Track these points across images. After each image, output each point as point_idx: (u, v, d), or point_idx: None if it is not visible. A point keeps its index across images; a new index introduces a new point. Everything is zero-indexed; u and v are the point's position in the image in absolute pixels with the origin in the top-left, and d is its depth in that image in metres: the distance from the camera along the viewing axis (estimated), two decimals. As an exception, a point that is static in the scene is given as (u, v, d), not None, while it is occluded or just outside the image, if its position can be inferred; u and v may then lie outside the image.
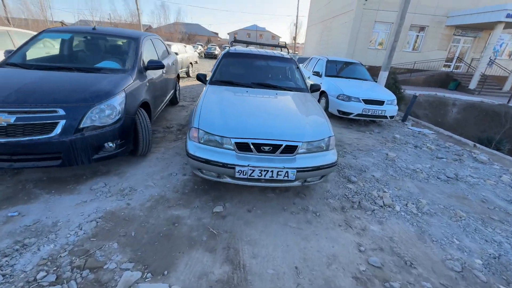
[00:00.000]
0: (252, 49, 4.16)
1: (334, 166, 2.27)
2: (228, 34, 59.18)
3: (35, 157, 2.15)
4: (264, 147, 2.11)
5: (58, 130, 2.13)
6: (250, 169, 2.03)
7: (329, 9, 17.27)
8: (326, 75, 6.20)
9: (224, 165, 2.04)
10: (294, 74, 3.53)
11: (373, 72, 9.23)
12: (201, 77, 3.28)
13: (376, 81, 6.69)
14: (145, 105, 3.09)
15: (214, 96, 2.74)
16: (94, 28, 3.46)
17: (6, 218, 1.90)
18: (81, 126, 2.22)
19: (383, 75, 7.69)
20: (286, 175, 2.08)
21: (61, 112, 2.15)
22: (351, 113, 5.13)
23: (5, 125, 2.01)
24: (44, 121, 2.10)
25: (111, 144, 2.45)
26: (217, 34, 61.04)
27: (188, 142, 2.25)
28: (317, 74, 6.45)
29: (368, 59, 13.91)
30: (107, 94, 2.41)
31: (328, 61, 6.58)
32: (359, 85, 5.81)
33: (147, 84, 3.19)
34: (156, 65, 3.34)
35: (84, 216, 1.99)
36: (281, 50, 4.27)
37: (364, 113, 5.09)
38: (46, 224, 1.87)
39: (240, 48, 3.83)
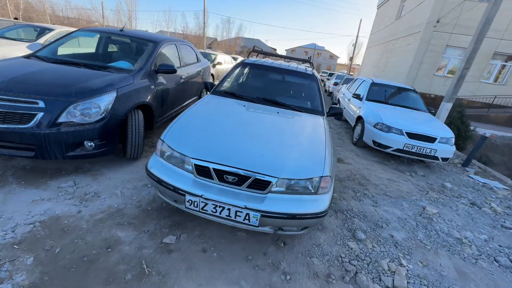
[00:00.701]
0: (279, 61, 3.81)
1: (319, 218, 1.69)
2: (285, 50, 60.41)
3: (10, 145, 2.15)
4: (228, 176, 1.68)
5: (34, 121, 2.09)
6: (202, 201, 1.61)
7: (393, 30, 15.86)
8: (367, 99, 5.39)
9: (175, 190, 1.67)
10: (312, 93, 3.01)
11: (438, 102, 7.81)
12: (208, 86, 3.05)
13: (433, 113, 5.55)
14: (145, 108, 2.99)
15: (205, 107, 2.45)
16: (121, 30, 3.60)
17: (-38, 202, 1.88)
18: (59, 121, 2.15)
19: (445, 107, 6.40)
20: (247, 218, 1.60)
21: (41, 104, 2.11)
22: (389, 147, 4.24)
23: (-14, 110, 2.05)
24: (23, 111, 2.08)
25: (90, 143, 2.34)
26: (275, 50, 62.91)
27: (153, 155, 1.97)
28: (357, 97, 5.69)
29: (433, 88, 12.12)
30: (93, 91, 2.33)
31: (373, 84, 5.75)
32: (407, 115, 4.85)
33: (154, 87, 3.10)
34: (167, 69, 3.25)
35: (28, 216, 1.85)
36: (306, 65, 3.79)
37: (406, 149, 4.14)
38: (-12, 217, 1.78)
39: (261, 59, 3.51)
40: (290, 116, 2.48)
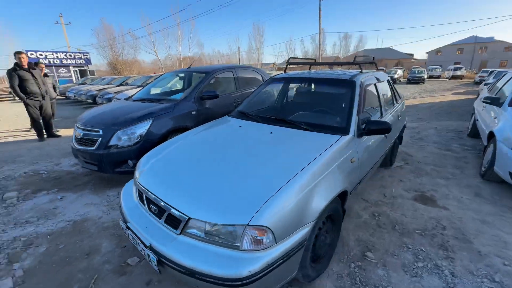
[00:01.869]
0: (325, 69, 3.17)
1: (229, 286, 1.14)
2: (427, 53, 49.15)
3: (89, 162, 3.04)
4: (152, 205, 1.51)
5: (97, 145, 2.88)
6: (126, 228, 1.53)
7: None
8: (511, 104, 3.28)
9: (121, 210, 1.70)
10: (342, 104, 2.21)
11: None
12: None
13: None
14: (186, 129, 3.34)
15: (200, 129, 2.38)
16: (189, 67, 4.34)
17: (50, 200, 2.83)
18: (110, 144, 2.84)
19: None
20: (148, 257, 1.34)
21: (100, 132, 2.89)
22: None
23: (79, 137, 3.04)
24: (92, 137, 2.93)
25: (131, 162, 2.90)
26: (411, 55, 52.81)
27: None
28: (493, 101, 3.60)
29: None
30: (133, 121, 2.91)
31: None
32: None
33: (194, 112, 3.43)
34: (209, 95, 3.53)
35: (72, 214, 2.49)
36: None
37: None
38: None
39: (297, 72, 3.02)
40: (282, 138, 1.93)
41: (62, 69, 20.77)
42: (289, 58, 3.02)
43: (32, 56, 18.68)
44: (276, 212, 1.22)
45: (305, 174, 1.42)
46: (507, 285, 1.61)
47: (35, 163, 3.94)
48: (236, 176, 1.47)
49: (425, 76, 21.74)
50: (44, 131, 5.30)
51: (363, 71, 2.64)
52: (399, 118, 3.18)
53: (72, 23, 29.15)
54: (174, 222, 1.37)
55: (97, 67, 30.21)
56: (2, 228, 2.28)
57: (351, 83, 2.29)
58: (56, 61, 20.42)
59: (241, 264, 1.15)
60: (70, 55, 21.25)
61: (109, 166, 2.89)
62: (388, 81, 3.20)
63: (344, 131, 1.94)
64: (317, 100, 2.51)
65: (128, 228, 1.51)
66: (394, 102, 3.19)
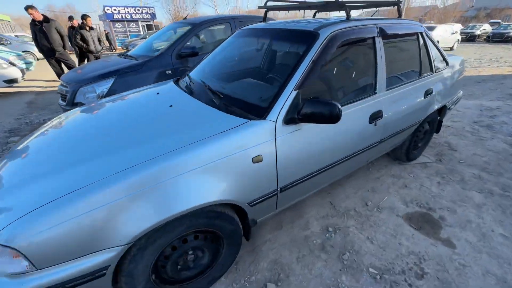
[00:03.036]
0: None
1: None
2: None
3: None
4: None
5: (66, 100, 2.88)
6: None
7: None
8: None
9: None
10: (284, 71, 1.44)
11: None
12: None
13: None
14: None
15: (125, 94, 1.99)
16: (184, 18, 3.82)
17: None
18: (75, 101, 2.80)
19: None
20: None
21: (68, 88, 2.85)
22: None
23: (58, 92, 3.10)
24: (64, 93, 2.93)
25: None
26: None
27: None
28: None
29: None
30: (95, 78, 2.77)
31: None
32: None
33: (169, 71, 3.05)
34: (189, 52, 3.05)
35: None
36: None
37: None
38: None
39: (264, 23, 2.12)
40: (174, 115, 1.39)
41: (132, 24, 22.53)
42: (267, 0, 2.19)
43: (108, 12, 20.65)
44: (37, 230, 0.84)
45: (125, 178, 0.96)
46: None
47: (59, 111, 4.40)
48: (44, 172, 1.08)
49: None
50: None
51: (356, 17, 1.69)
52: (430, 95, 2.11)
53: (144, -23, 30.35)
54: None
55: (167, 21, 31.70)
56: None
57: (311, 37, 1.46)
58: (127, 16, 22.15)
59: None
60: (138, 10, 22.64)
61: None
62: (420, 35, 2.07)
63: (259, 113, 1.27)
64: (264, 63, 1.76)
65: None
66: (423, 71, 2.10)
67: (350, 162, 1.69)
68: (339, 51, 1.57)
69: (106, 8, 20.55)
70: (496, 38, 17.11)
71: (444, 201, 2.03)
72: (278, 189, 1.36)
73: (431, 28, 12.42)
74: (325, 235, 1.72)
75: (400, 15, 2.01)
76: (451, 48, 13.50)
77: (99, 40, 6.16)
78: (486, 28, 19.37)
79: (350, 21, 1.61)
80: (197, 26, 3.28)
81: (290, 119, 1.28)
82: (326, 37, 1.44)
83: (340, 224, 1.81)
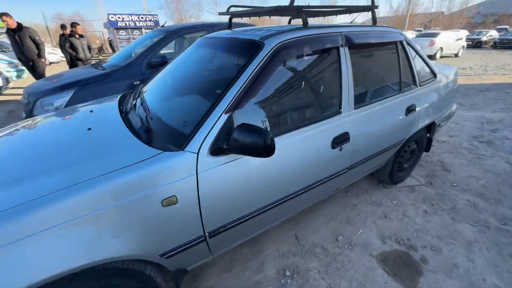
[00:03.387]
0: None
1: None
2: None
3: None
4: None
5: (25, 113, 2.70)
6: None
7: None
8: None
9: None
10: (218, 89, 1.20)
11: None
12: None
13: None
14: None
15: (79, 106, 1.79)
16: (162, 26, 3.64)
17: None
18: (33, 114, 2.61)
19: None
20: None
21: (27, 100, 2.67)
22: None
23: (21, 101, 2.92)
24: (25, 104, 2.75)
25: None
26: None
27: None
28: None
29: None
30: (54, 90, 2.58)
31: None
32: None
33: (137, 82, 2.85)
34: (159, 61, 2.87)
35: None
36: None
37: None
38: None
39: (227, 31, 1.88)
40: (86, 143, 1.16)
41: (136, 31, 22.83)
42: (230, 6, 1.97)
43: (112, 19, 20.99)
44: None
45: None
46: None
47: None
48: None
49: None
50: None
51: (317, 25, 1.45)
52: (412, 112, 1.84)
53: (149, -14, 30.85)
54: None
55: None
56: None
57: (254, 47, 1.22)
58: (131, 23, 22.48)
59: None
60: (142, 17, 22.98)
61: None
62: (399, 44, 1.81)
63: (178, 142, 1.03)
64: (207, 78, 1.52)
65: None
66: (404, 85, 1.83)
67: (308, 194, 1.42)
68: (292, 64, 1.32)
69: (110, 16, 20.89)
70: (503, 45, 16.66)
71: (429, 236, 1.73)
72: (206, 234, 1.10)
73: (434, 35, 12.09)
74: (280, 281, 1.44)
75: (374, 22, 1.76)
76: (456, 55, 13.13)
77: (89, 48, 6.08)
78: (492, 34, 18.94)
79: (308, 29, 1.37)
80: (170, 34, 3.10)
81: (219, 149, 1.04)
82: (273, 48, 1.20)
83: (301, 265, 1.53)
